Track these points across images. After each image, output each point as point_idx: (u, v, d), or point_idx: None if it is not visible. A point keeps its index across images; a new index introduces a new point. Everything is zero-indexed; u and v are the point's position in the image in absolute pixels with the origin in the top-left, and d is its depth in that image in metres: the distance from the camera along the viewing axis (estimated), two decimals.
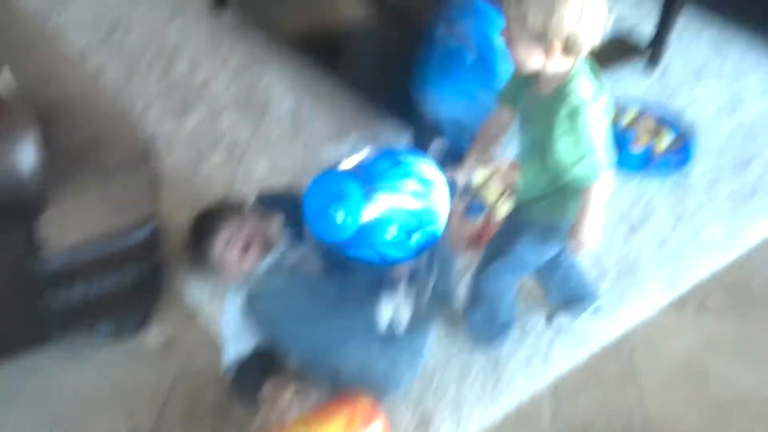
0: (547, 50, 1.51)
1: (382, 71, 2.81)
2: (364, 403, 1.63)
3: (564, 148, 1.55)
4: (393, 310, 1.76)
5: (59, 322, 1.71)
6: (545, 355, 1.96)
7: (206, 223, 2.02)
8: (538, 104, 1.62)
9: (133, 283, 1.76)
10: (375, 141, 2.61)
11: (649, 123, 2.71)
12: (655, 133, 2.67)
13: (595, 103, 1.56)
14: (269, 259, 1.94)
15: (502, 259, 1.80)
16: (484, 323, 1.91)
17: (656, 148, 2.61)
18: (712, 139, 2.79)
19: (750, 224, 2.44)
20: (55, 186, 1.51)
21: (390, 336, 1.76)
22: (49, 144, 1.54)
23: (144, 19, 3.14)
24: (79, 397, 1.77)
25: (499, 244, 1.83)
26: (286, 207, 2.04)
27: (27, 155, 1.37)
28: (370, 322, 1.75)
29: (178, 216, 2.22)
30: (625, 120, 2.71)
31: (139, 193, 1.67)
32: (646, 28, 3.26)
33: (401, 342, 1.77)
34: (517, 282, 1.90)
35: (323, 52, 2.90)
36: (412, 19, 2.30)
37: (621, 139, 2.58)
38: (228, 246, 1.95)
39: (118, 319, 1.84)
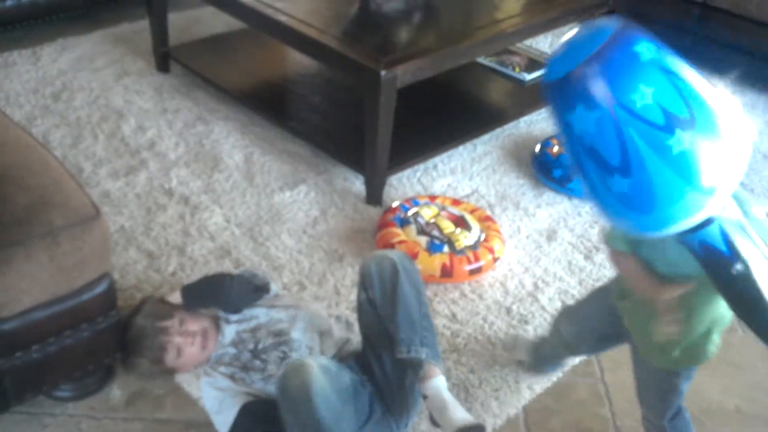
0: None
1: (331, 119, 2.84)
2: None
3: None
4: None
5: (18, 386, 1.65)
6: (516, 380, 1.95)
7: (143, 339, 1.83)
8: None
9: (92, 340, 1.72)
10: (328, 187, 2.61)
11: None
12: None
13: None
14: (223, 344, 1.87)
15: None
16: None
17: None
18: None
19: None
20: (3, 250, 1.49)
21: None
22: None
23: (89, 84, 3.14)
24: None
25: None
26: (213, 294, 1.92)
27: None
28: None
29: (134, 272, 2.20)
30: None
31: (91, 251, 1.64)
32: None
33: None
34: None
35: (271, 104, 2.92)
36: (359, 69, 2.32)
37: None
38: (180, 353, 1.83)
39: (79, 378, 1.79)
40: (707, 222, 1.14)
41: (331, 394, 1.54)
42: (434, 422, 1.65)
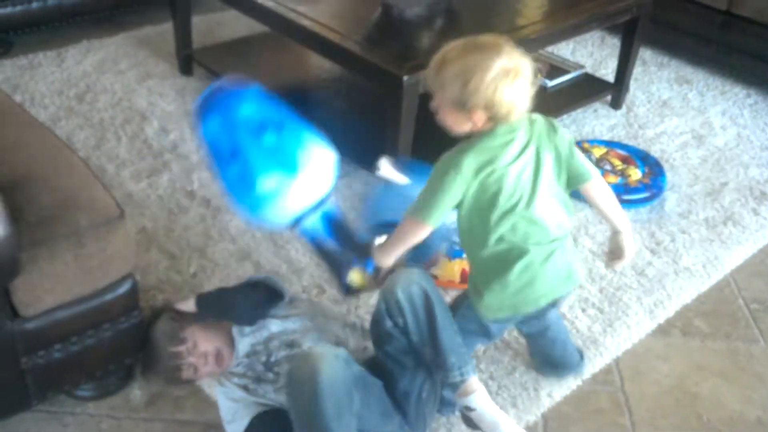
0: (470, 116, 1.57)
1: (352, 124, 2.84)
2: None
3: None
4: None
5: (40, 385, 1.67)
6: (535, 387, 1.94)
7: (157, 363, 1.85)
8: None
9: (114, 340, 1.73)
10: (348, 191, 2.61)
11: (617, 158, 2.76)
12: (625, 167, 2.71)
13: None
14: (237, 356, 1.87)
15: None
16: None
17: (628, 182, 2.64)
18: (682, 170, 2.85)
19: (726, 250, 2.46)
20: (29, 250, 1.50)
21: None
22: (20, 210, 1.54)
23: (112, 86, 3.16)
24: None
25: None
26: (226, 309, 1.92)
27: None
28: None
29: (155, 273, 2.21)
30: (595, 155, 2.75)
31: (115, 252, 1.65)
32: (609, 68, 3.42)
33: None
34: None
35: (292, 108, 2.92)
36: (381, 74, 2.33)
37: None
38: (196, 372, 1.83)
39: (100, 377, 1.80)
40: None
41: (339, 385, 1.54)
42: (473, 427, 1.66)
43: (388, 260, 1.75)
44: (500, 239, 1.63)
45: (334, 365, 1.54)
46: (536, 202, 1.62)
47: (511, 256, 1.63)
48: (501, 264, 1.64)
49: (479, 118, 1.57)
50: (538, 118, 1.68)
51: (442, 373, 1.65)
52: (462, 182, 1.59)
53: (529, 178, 1.62)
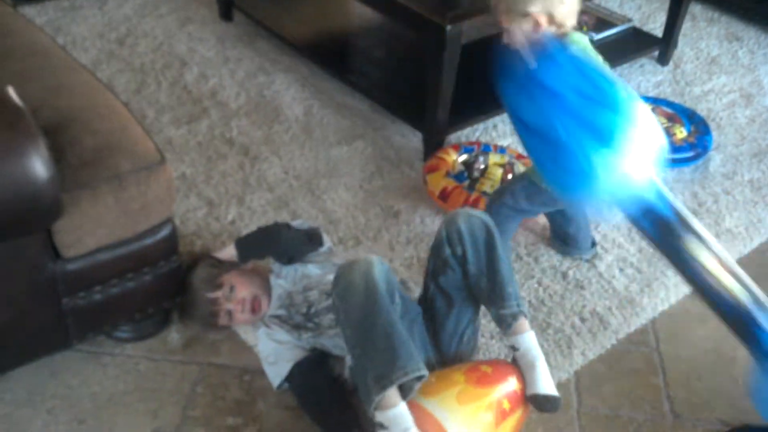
0: (535, 23, 1.75)
1: (391, 74, 2.81)
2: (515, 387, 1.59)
3: None
4: None
5: (80, 325, 1.70)
6: (568, 345, 1.93)
7: (195, 308, 1.88)
8: None
9: (153, 283, 1.75)
10: (385, 144, 2.60)
11: (663, 115, 2.69)
12: (670, 125, 2.65)
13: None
14: (275, 305, 1.89)
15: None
16: None
17: (674, 141, 2.58)
18: (729, 130, 2.78)
19: None
20: (71, 192, 1.52)
21: None
22: (62, 152, 1.55)
23: (153, 31, 3.16)
24: (103, 398, 1.76)
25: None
26: (267, 242, 1.95)
27: (39, 164, 1.37)
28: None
29: (194, 219, 2.23)
30: None
31: (155, 196, 1.66)
32: (658, 22, 3.33)
33: None
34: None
35: (332, 57, 2.90)
36: (424, 23, 2.29)
37: None
38: (232, 318, 1.86)
39: (139, 320, 1.83)
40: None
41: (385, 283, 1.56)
42: None
43: None
44: None
45: (380, 266, 1.56)
46: None
47: None
48: None
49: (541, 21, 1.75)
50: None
51: (498, 304, 1.64)
52: None
53: None
